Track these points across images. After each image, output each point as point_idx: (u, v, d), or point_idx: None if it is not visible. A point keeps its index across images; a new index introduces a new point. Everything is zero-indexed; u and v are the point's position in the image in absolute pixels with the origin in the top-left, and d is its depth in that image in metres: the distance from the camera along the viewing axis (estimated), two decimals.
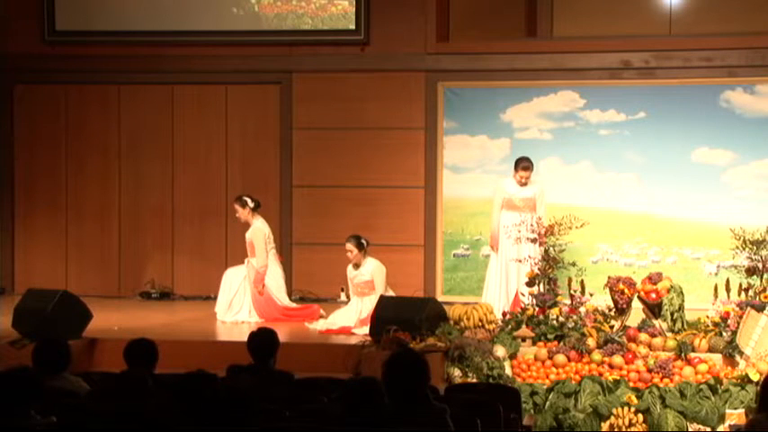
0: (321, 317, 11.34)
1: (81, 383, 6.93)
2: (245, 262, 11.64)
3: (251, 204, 11.54)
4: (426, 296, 11.87)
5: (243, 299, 11.51)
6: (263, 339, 7.58)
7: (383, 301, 10.26)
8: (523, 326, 9.81)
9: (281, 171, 13.26)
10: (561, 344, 9.58)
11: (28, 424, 5.56)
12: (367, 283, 10.92)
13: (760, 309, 9.46)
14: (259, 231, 11.49)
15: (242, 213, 11.54)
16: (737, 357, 9.38)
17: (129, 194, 13.56)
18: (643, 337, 9.63)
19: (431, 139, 12.93)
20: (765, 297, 9.54)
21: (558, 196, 12.29)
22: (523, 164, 11.21)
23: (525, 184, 11.17)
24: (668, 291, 9.91)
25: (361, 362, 9.18)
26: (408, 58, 12.90)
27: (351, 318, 10.82)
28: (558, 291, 10.02)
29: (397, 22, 12.88)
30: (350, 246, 10.95)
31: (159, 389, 5.99)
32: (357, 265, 10.98)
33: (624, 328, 9.83)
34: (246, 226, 11.64)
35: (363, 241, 10.98)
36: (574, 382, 9.22)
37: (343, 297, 12.36)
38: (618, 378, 9.23)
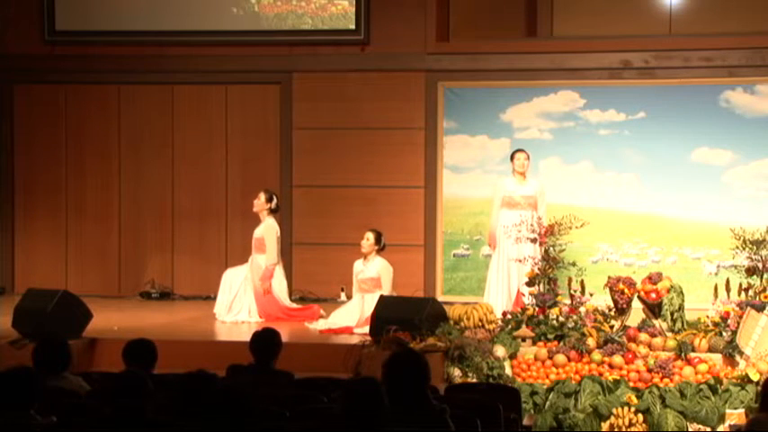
0: (321, 317, 11.34)
1: (81, 383, 6.94)
2: (249, 260, 11.63)
3: (273, 205, 11.58)
4: (426, 296, 11.88)
5: (243, 300, 11.50)
6: (266, 340, 7.57)
7: (383, 300, 10.26)
8: (523, 326, 9.82)
9: (281, 171, 13.26)
10: (561, 344, 9.58)
11: (28, 424, 5.56)
12: (372, 280, 10.92)
13: (760, 309, 9.46)
14: (272, 229, 11.52)
15: (261, 205, 11.55)
16: (737, 357, 9.38)
17: (129, 194, 13.56)
18: (643, 336, 9.64)
19: (431, 139, 12.93)
20: (765, 297, 9.55)
21: (558, 196, 12.29)
22: (518, 151, 11.21)
23: (524, 167, 11.11)
24: (668, 291, 9.91)
25: (361, 362, 9.18)
26: (408, 58, 12.90)
27: (353, 317, 10.82)
28: (558, 291, 10.02)
29: (397, 22, 12.88)
30: (369, 234, 10.96)
31: (159, 389, 5.98)
32: (365, 259, 10.96)
33: (624, 327, 9.84)
34: (254, 219, 11.63)
35: (383, 239, 11.01)
36: (574, 381, 9.22)
37: (343, 297, 12.37)
38: (618, 378, 9.23)
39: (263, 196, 11.59)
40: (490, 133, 12.88)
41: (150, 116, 13.50)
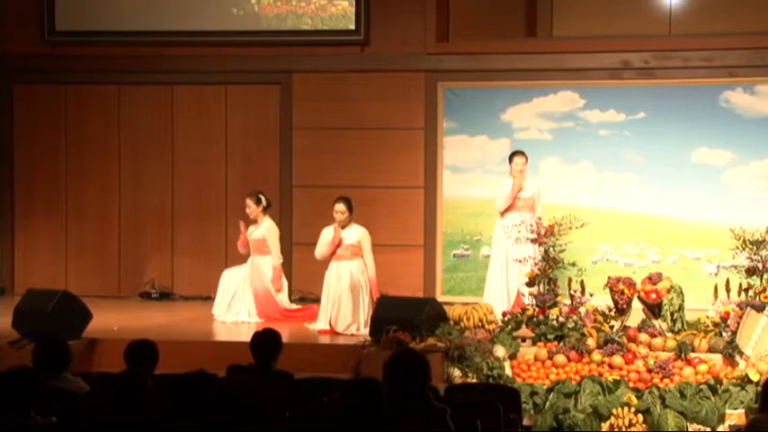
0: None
1: (81, 383, 6.93)
2: (249, 261, 11.62)
3: (264, 203, 11.58)
4: (426, 296, 11.89)
5: (242, 300, 11.50)
6: (267, 340, 7.56)
7: (383, 301, 10.28)
8: (523, 326, 9.81)
9: (281, 171, 13.26)
10: (561, 344, 9.58)
11: (28, 424, 5.56)
12: (352, 246, 10.89)
13: (760, 309, 9.46)
14: (273, 229, 11.56)
15: (253, 210, 11.55)
16: (737, 357, 9.38)
17: (128, 195, 13.56)
18: (643, 337, 9.63)
19: (430, 139, 12.93)
20: (765, 297, 9.54)
21: (558, 196, 12.29)
22: (518, 153, 11.21)
23: (522, 171, 11.12)
24: (668, 291, 9.91)
25: (362, 362, 9.18)
26: (408, 59, 12.90)
27: (329, 318, 10.81)
28: (558, 291, 10.02)
29: (396, 22, 12.88)
30: (341, 206, 10.95)
31: (159, 389, 5.98)
32: (342, 227, 10.94)
33: (624, 328, 9.83)
34: (251, 222, 11.64)
35: (353, 203, 11.00)
36: (574, 382, 9.21)
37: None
38: (618, 378, 9.23)
39: (251, 203, 11.55)
40: (490, 133, 12.88)
41: (150, 116, 13.50)
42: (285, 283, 11.70)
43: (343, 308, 10.69)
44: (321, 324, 10.89)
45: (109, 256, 13.57)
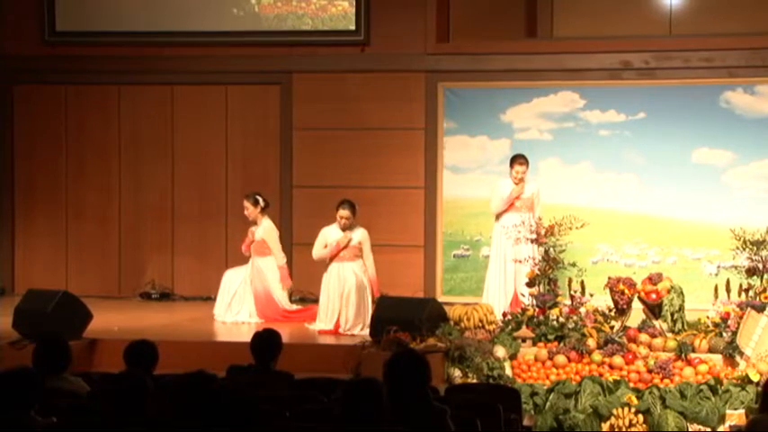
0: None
1: (81, 384, 6.93)
2: (250, 262, 11.61)
3: (262, 204, 11.57)
4: (426, 296, 11.88)
5: (243, 300, 11.50)
6: (267, 340, 7.57)
7: (383, 301, 10.28)
8: (524, 326, 9.82)
9: (281, 171, 13.26)
10: (561, 344, 9.58)
11: (28, 425, 5.55)
12: (352, 248, 10.92)
13: (760, 309, 9.46)
14: (272, 230, 11.56)
15: (252, 211, 11.55)
16: (738, 358, 9.38)
17: (129, 194, 13.56)
18: (643, 337, 9.63)
19: (431, 139, 12.93)
20: (765, 297, 9.54)
21: (558, 196, 12.29)
22: (519, 160, 11.23)
23: (521, 180, 11.15)
24: (668, 291, 9.91)
25: (362, 362, 9.18)
26: (408, 59, 12.90)
27: (333, 318, 10.80)
28: (559, 291, 10.02)
29: (396, 23, 12.88)
30: (347, 213, 10.94)
31: (159, 389, 5.98)
32: (344, 230, 10.95)
33: (624, 328, 9.83)
34: (251, 224, 11.64)
35: (356, 207, 11.01)
36: (574, 382, 9.21)
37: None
38: (618, 378, 9.23)
39: (249, 205, 11.54)
40: (490, 134, 12.88)
41: (150, 116, 13.50)
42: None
43: (351, 309, 10.70)
44: (321, 324, 10.90)
45: (109, 257, 13.56)
